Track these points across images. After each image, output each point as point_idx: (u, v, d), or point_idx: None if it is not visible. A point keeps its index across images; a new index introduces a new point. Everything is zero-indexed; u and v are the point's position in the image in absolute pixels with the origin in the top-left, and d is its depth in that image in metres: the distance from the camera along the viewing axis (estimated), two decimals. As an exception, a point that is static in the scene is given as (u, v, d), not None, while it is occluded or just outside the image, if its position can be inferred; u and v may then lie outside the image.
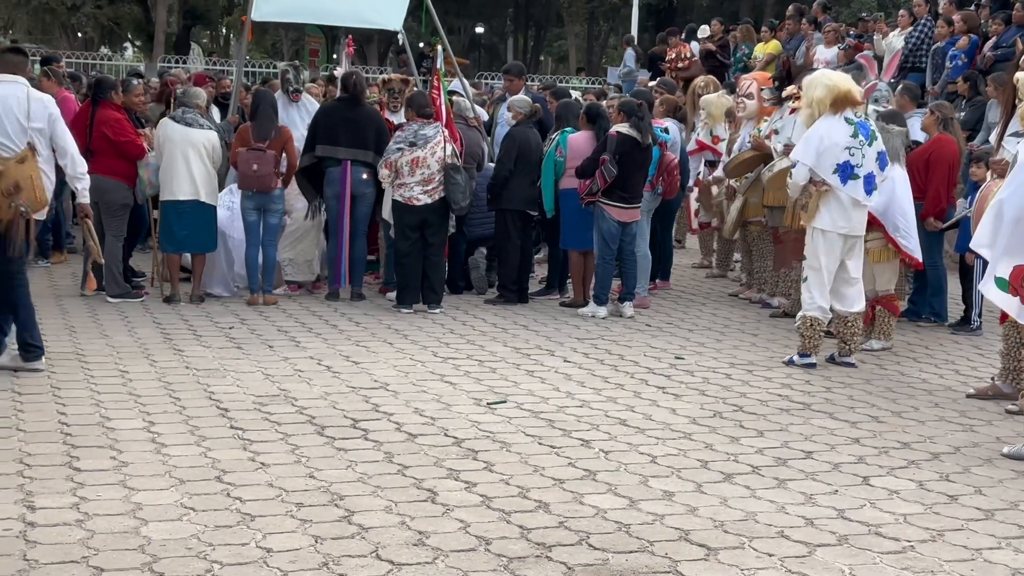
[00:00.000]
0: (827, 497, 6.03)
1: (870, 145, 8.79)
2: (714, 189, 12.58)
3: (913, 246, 9.60)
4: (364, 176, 11.08)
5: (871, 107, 10.08)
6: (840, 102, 8.73)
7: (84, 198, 8.43)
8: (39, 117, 7.98)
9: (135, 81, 11.86)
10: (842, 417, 7.65)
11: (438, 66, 11.62)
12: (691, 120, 13.83)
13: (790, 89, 10.74)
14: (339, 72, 12.68)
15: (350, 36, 15.34)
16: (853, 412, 7.79)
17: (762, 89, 11.21)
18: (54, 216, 12.66)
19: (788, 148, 10.30)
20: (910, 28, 17.88)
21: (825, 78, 8.95)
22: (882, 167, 8.91)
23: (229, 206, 11.37)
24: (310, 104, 12.48)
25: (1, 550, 4.92)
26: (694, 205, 13.79)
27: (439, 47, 12.28)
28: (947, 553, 5.30)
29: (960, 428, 7.50)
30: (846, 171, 8.70)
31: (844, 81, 8.87)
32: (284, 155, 10.85)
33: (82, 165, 8.31)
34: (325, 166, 11.11)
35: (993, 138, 10.55)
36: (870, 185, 8.82)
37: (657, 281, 12.45)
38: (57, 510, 5.41)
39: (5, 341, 8.19)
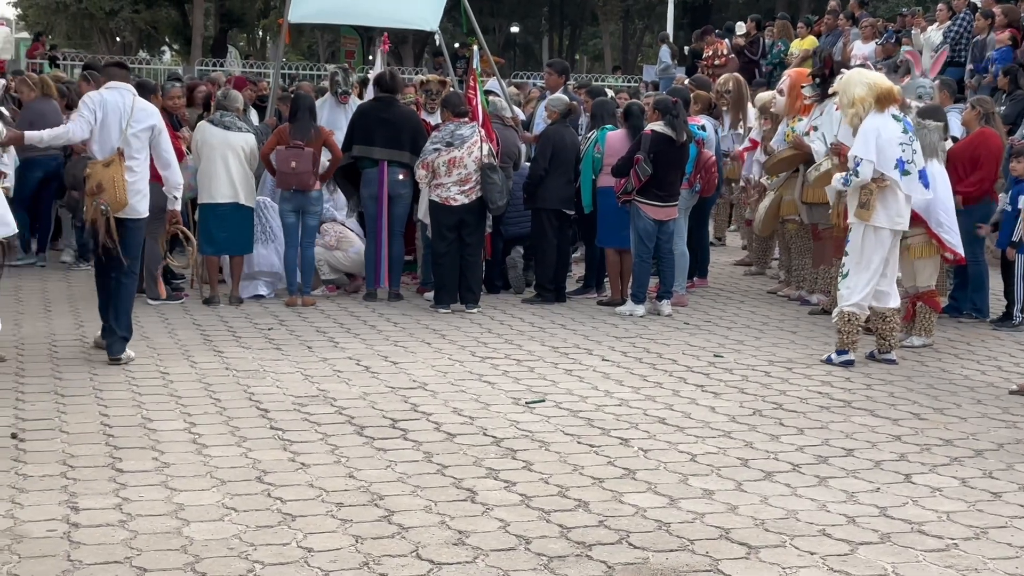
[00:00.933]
0: (869, 495, 5.99)
1: (916, 140, 8.80)
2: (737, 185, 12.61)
3: (956, 241, 9.53)
4: (400, 177, 11.10)
5: (913, 103, 10.00)
6: (884, 99, 8.70)
7: (176, 205, 9.02)
8: (140, 121, 8.57)
9: (174, 84, 11.95)
10: (883, 414, 7.60)
11: (474, 66, 11.62)
12: (724, 117, 13.76)
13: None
14: (373, 73, 12.70)
15: (385, 34, 15.35)
16: (894, 409, 7.74)
17: (802, 86, 11.12)
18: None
19: (836, 146, 10.18)
20: (948, 22, 17.75)
21: (862, 76, 8.90)
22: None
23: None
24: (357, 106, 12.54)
25: (46, 551, 4.97)
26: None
27: (475, 47, 12.29)
28: (991, 551, 5.26)
29: (1003, 424, 7.44)
30: (901, 167, 8.67)
31: (882, 79, 8.84)
32: (327, 151, 10.87)
33: (180, 176, 9.02)
34: (361, 166, 11.15)
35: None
36: (925, 179, 8.81)
37: (695, 279, 12.41)
38: (100, 511, 5.46)
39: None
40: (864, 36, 18.99)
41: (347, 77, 12.77)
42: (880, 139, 8.63)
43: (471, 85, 11.46)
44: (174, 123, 11.28)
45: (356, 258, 11.52)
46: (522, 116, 12.91)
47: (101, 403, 7.39)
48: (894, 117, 8.73)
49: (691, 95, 12.53)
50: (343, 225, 11.77)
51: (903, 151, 8.69)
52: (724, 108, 13.49)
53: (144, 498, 5.65)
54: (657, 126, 10.62)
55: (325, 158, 10.94)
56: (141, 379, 8.04)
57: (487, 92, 12.49)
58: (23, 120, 11.78)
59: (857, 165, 8.69)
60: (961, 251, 9.61)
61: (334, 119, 12.02)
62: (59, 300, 10.93)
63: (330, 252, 11.64)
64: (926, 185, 8.82)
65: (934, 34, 17.99)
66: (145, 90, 11.02)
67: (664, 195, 10.69)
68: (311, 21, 16.16)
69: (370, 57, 42.07)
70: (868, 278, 8.81)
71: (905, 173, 8.69)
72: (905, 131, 8.72)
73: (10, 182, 10.22)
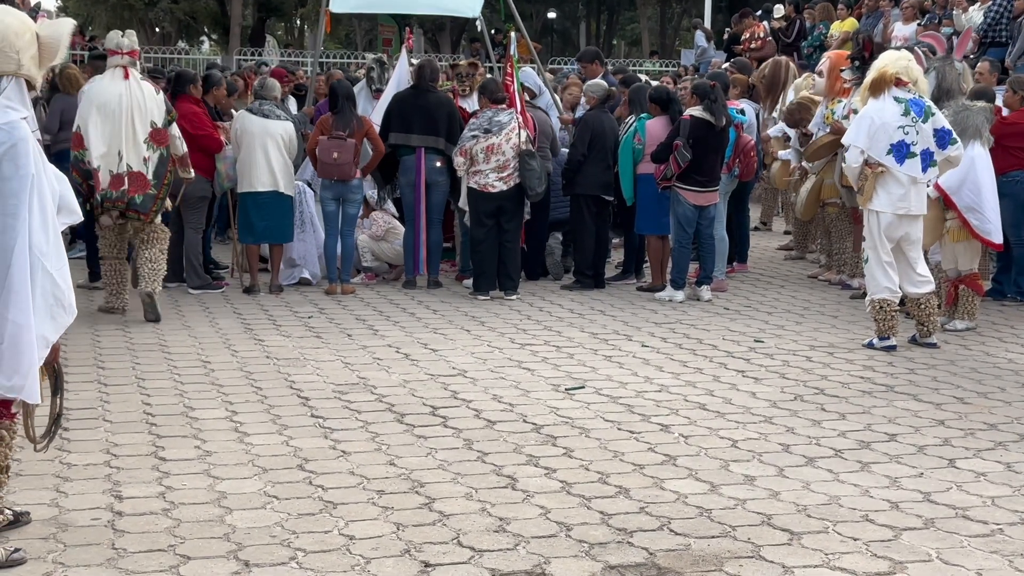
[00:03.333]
0: (912, 480, 5.94)
1: (924, 122, 8.63)
2: (776, 166, 12.53)
3: (989, 227, 9.41)
4: (437, 164, 11.11)
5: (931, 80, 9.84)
6: (878, 83, 8.63)
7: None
8: None
9: (218, 75, 11.99)
10: (926, 399, 7.54)
11: (511, 52, 11.60)
12: (765, 101, 13.66)
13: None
14: (398, 65, 12.61)
15: (409, 29, 15.30)
16: (938, 394, 7.67)
17: (842, 69, 11.03)
18: None
19: (836, 126, 10.21)
20: (990, 2, 17.52)
21: (880, 61, 8.84)
22: (941, 145, 8.70)
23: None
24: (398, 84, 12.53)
25: (90, 539, 5.01)
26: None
27: (512, 33, 12.25)
28: (1037, 536, 5.21)
29: (1048, 409, 7.36)
30: (902, 150, 8.58)
31: (892, 62, 8.71)
32: (368, 144, 10.91)
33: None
34: (400, 155, 11.16)
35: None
36: (926, 162, 8.66)
37: (735, 264, 12.36)
38: (144, 499, 5.50)
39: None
40: (905, 17, 18.76)
41: (383, 72, 12.72)
42: (873, 125, 8.58)
43: (508, 72, 11.44)
44: (214, 114, 11.33)
45: (401, 251, 11.54)
46: (550, 101, 12.83)
47: (143, 392, 7.44)
48: (896, 100, 8.63)
49: (731, 78, 12.48)
50: (393, 216, 11.79)
51: (905, 134, 8.58)
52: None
53: (187, 486, 5.69)
54: (696, 111, 10.56)
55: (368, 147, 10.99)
56: (183, 368, 8.09)
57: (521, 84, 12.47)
58: (53, 113, 11.82)
59: (846, 151, 8.75)
60: (994, 237, 9.49)
61: (366, 112, 12.00)
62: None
63: (376, 243, 11.68)
64: (924, 169, 8.66)
65: (976, 14, 17.77)
66: (184, 81, 11.11)
67: (704, 180, 10.64)
68: (355, 11, 16.11)
69: (404, 46, 42.10)
70: (881, 261, 8.74)
71: (910, 155, 8.59)
72: (907, 112, 8.60)
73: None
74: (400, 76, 12.39)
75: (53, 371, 5.07)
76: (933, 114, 8.69)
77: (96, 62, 11.97)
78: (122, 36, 9.86)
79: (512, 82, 11.10)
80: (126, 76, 9.68)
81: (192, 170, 10.19)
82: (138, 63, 9.92)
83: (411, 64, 12.28)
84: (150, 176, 9.61)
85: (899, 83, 8.64)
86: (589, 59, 13.63)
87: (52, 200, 4.79)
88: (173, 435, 6.53)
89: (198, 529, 5.14)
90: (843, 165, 9.02)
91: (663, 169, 10.57)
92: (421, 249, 11.23)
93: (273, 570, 4.73)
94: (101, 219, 9.66)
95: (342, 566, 4.78)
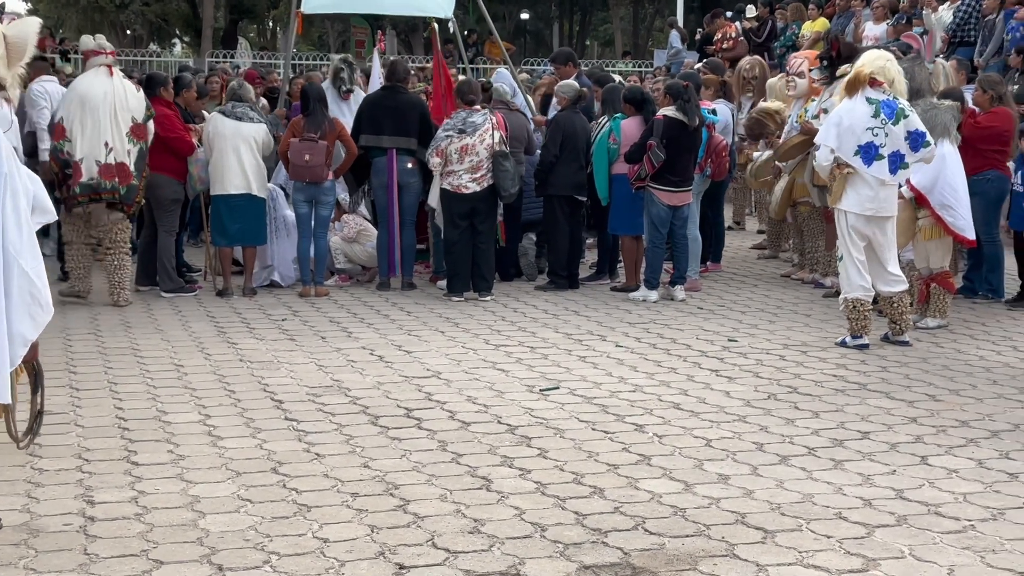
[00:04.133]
0: (885, 477, 5.97)
1: (895, 124, 8.65)
2: (749, 167, 12.60)
3: (962, 224, 9.47)
4: (409, 165, 11.11)
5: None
6: (852, 83, 8.67)
7: None
8: None
9: (191, 81, 11.97)
10: (899, 396, 7.57)
11: (437, 46, 11.63)
12: (738, 100, 13.72)
13: (844, 69, 10.64)
14: (375, 67, 12.61)
15: (381, 32, 15.31)
16: (910, 391, 7.71)
17: (811, 69, 11.10)
18: None
19: (806, 126, 10.29)
20: (959, 2, 17.64)
21: (859, 60, 8.88)
22: (914, 147, 8.72)
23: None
24: (360, 100, 12.52)
25: (62, 545, 4.98)
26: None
27: (435, 26, 12.20)
28: (1008, 531, 5.24)
29: (1019, 405, 7.40)
30: (870, 152, 8.61)
31: (872, 62, 8.74)
32: (341, 145, 10.89)
33: None
34: (371, 156, 11.15)
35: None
36: (895, 164, 8.69)
37: (708, 264, 12.39)
38: (116, 504, 5.47)
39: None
40: (875, 17, 18.88)
41: (352, 73, 12.69)
42: (842, 126, 8.62)
43: (436, 66, 11.54)
44: (186, 116, 11.29)
45: (373, 252, 11.53)
46: (523, 102, 12.83)
47: (116, 396, 7.41)
48: (868, 100, 8.66)
49: (703, 79, 12.52)
50: (365, 219, 11.77)
51: (874, 135, 8.62)
52: (749, 93, 13.46)
53: (160, 491, 5.66)
54: (669, 111, 10.59)
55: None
56: (155, 372, 8.05)
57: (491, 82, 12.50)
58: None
59: (816, 150, 8.81)
60: (967, 234, 9.55)
61: (335, 113, 11.96)
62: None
63: (348, 245, 11.66)
64: (892, 171, 8.70)
65: (945, 14, 17.88)
66: (155, 83, 11.08)
67: (678, 180, 10.67)
68: (325, 11, 16.07)
69: (376, 50, 42.05)
70: (852, 261, 8.78)
71: (878, 158, 8.63)
72: (877, 114, 8.63)
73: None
74: (375, 80, 12.40)
75: (32, 369, 5.05)
76: (906, 116, 8.70)
77: (39, 63, 12.21)
78: (95, 39, 10.52)
79: (439, 77, 11.18)
80: (110, 74, 10.27)
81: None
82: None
83: (382, 67, 12.28)
84: (132, 168, 10.14)
85: (874, 83, 8.67)
86: (562, 60, 13.64)
87: (26, 200, 4.77)
88: (146, 439, 6.50)
89: (171, 533, 5.12)
90: (814, 164, 9.06)
91: (637, 169, 10.59)
92: (395, 251, 11.21)
93: (247, 573, 4.71)
94: (86, 207, 10.16)
95: (316, 569, 4.76)
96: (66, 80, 13.98)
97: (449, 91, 11.36)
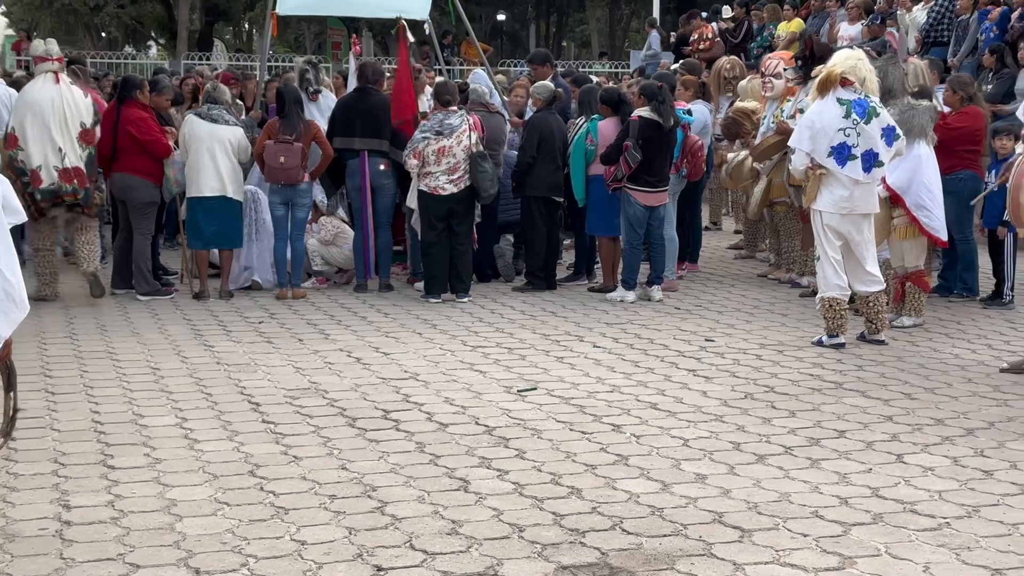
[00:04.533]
0: (861, 476, 6.00)
1: (868, 123, 8.69)
2: (724, 168, 12.63)
3: (936, 224, 9.52)
4: (381, 167, 11.11)
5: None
6: (824, 84, 8.72)
7: None
8: None
9: (166, 85, 11.96)
10: (875, 395, 7.61)
11: (408, 39, 11.61)
12: (717, 101, 13.77)
13: (819, 69, 10.69)
14: (352, 68, 12.63)
15: (356, 35, 15.30)
16: (886, 390, 7.75)
17: (786, 68, 11.14)
18: None
19: (782, 126, 10.35)
20: (933, 2, 17.74)
21: (831, 60, 8.93)
22: (888, 142, 8.79)
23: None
24: (328, 102, 12.53)
25: (38, 549, 4.96)
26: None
27: (403, 23, 12.18)
28: (983, 529, 5.27)
29: (994, 403, 7.45)
30: (843, 152, 8.65)
31: (843, 62, 8.78)
32: (318, 147, 10.87)
33: None
34: (346, 159, 11.14)
35: (1021, 111, 10.47)
36: (869, 163, 8.73)
37: (686, 264, 12.41)
38: (93, 508, 5.45)
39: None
40: (850, 17, 18.96)
41: (317, 74, 12.67)
42: (814, 128, 8.66)
43: (401, 62, 11.55)
44: (161, 119, 11.25)
45: (350, 255, 11.51)
46: (503, 103, 12.84)
47: (92, 400, 7.38)
48: (839, 101, 8.70)
49: (682, 81, 12.57)
50: (343, 221, 11.74)
51: (846, 135, 8.66)
52: (729, 93, 13.49)
53: (136, 494, 5.64)
54: (644, 112, 10.61)
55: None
56: (132, 375, 8.02)
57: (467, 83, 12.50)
58: None
59: (792, 154, 8.86)
60: (941, 235, 9.60)
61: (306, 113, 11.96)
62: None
63: (325, 247, 11.64)
64: (867, 170, 8.74)
65: (919, 14, 17.98)
66: (131, 86, 11.05)
67: (654, 181, 10.69)
68: (300, 13, 16.03)
69: (352, 52, 41.94)
70: (829, 261, 8.82)
71: (851, 158, 8.66)
72: (848, 114, 8.67)
73: None
74: (352, 83, 12.40)
75: (6, 367, 5.02)
76: (878, 114, 8.74)
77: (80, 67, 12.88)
78: (45, 43, 10.62)
79: (405, 76, 11.18)
80: (56, 80, 10.38)
81: None
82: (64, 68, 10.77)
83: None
84: (86, 172, 10.39)
85: (845, 83, 8.70)
86: (540, 61, 13.66)
87: None
88: (122, 443, 6.47)
89: (148, 537, 5.10)
90: (790, 167, 9.10)
91: (613, 170, 10.61)
92: (369, 252, 11.20)
93: (224, 577, 4.71)
94: (49, 212, 10.38)
95: (294, 571, 4.76)
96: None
97: (407, 92, 11.28)
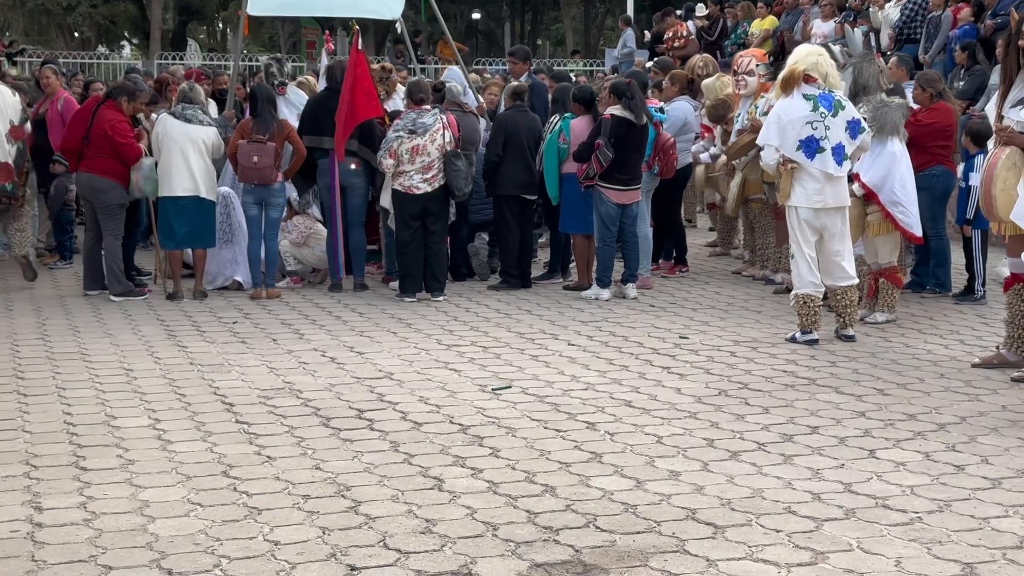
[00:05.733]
0: (834, 471, 6.02)
1: (835, 116, 8.75)
2: (699, 169, 12.66)
3: (911, 220, 9.57)
4: (352, 167, 11.09)
5: (848, 77, 9.99)
6: (787, 81, 8.77)
7: None
8: None
9: (142, 84, 12.00)
10: (847, 391, 7.64)
11: (358, 45, 11.55)
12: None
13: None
14: (322, 67, 12.62)
15: (327, 32, 15.27)
16: (858, 386, 7.78)
17: (758, 65, 11.18)
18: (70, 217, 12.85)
19: (755, 123, 10.40)
20: (905, -1, 17.83)
21: (792, 57, 8.98)
22: (853, 135, 8.84)
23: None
24: (296, 96, 12.51)
25: (9, 551, 4.94)
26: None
27: (356, 27, 12.16)
28: (954, 523, 5.30)
29: (966, 398, 7.49)
30: (811, 146, 8.70)
31: (804, 58, 8.83)
32: (290, 147, 10.85)
33: None
34: (315, 158, 11.12)
35: (991, 107, 10.52)
36: (839, 156, 8.78)
37: (673, 264, 12.36)
38: (64, 510, 5.42)
39: None
40: (823, 15, 19.03)
41: (282, 68, 12.67)
42: (781, 122, 8.71)
43: (357, 66, 11.51)
44: (134, 121, 11.19)
45: (323, 255, 11.48)
46: (478, 103, 12.83)
47: (64, 401, 7.34)
48: (805, 96, 8.76)
49: (669, 76, 12.61)
50: (316, 220, 11.70)
51: (814, 129, 8.71)
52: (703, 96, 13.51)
53: (108, 496, 5.62)
54: (616, 110, 10.62)
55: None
56: (104, 376, 7.99)
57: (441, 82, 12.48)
58: None
59: (761, 151, 8.86)
60: (915, 231, 9.65)
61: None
62: (20, 298, 10.86)
63: (297, 248, 11.61)
64: (839, 163, 8.80)
65: (892, 11, 18.06)
66: (119, 92, 11.02)
67: (626, 179, 10.71)
68: (271, 14, 15.98)
69: (324, 50, 41.86)
70: (804, 257, 8.86)
71: (820, 151, 8.71)
72: (816, 108, 8.72)
73: None
74: (323, 82, 12.37)
75: None
76: (843, 107, 8.81)
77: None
78: None
79: (364, 78, 11.14)
80: None
81: None
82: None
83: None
84: (13, 166, 10.94)
85: (808, 79, 8.76)
86: (522, 57, 13.66)
87: None
88: (95, 444, 6.45)
89: (120, 539, 5.08)
90: (761, 164, 9.13)
91: (585, 168, 10.62)
92: (339, 252, 11.18)
93: (197, 578, 4.69)
94: None
95: (267, 571, 4.75)
96: (13, 82, 13.86)
97: (357, 94, 11.15)
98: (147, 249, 12.87)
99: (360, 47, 11.36)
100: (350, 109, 10.82)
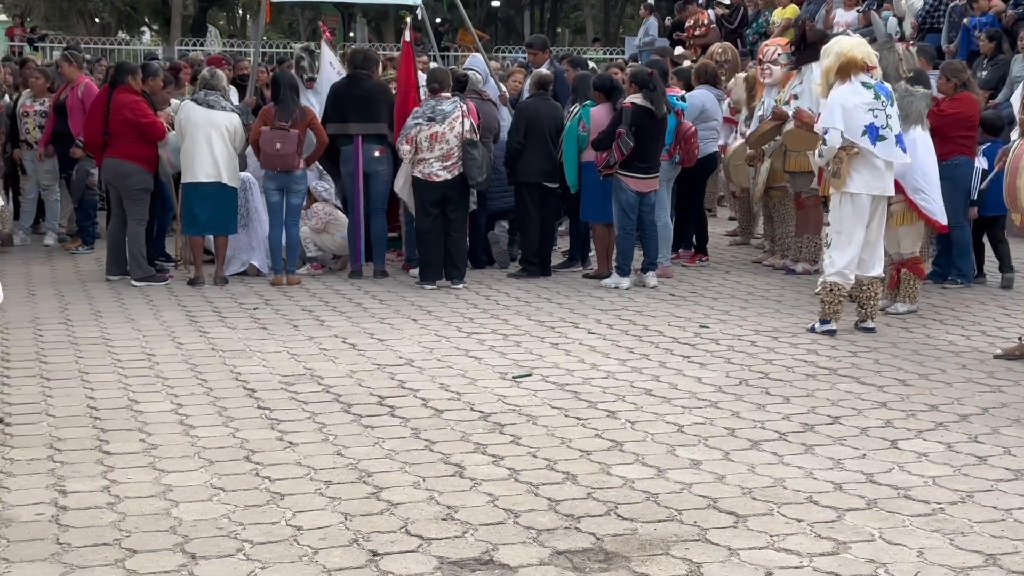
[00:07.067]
0: (855, 461, 6.01)
1: (892, 105, 8.77)
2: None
3: (934, 208, 9.53)
4: (376, 153, 11.10)
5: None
6: (846, 68, 8.70)
7: None
8: None
9: (158, 70, 11.93)
10: (869, 381, 7.62)
11: (406, 37, 11.60)
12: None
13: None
14: (325, 56, 12.59)
15: (323, 23, 15.26)
16: (880, 376, 7.77)
17: (780, 54, 11.14)
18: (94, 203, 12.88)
19: (800, 112, 10.33)
20: (930, -12, 17.72)
21: (836, 45, 8.91)
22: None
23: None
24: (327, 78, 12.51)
25: (35, 534, 4.97)
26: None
27: (408, 19, 12.20)
28: (977, 514, 5.29)
29: (988, 389, 7.47)
30: (873, 133, 8.66)
31: (855, 47, 8.80)
32: (313, 134, 10.87)
33: None
34: (339, 144, 11.13)
35: (1015, 97, 10.46)
36: (902, 143, 8.78)
37: (697, 254, 12.35)
38: (88, 493, 5.45)
39: None
40: (846, 3, 18.94)
41: (313, 61, 12.65)
42: (845, 107, 8.66)
43: (406, 57, 11.55)
44: (152, 104, 11.22)
45: (343, 242, 11.50)
46: (500, 91, 12.81)
47: (87, 386, 7.38)
48: (864, 84, 8.71)
49: (695, 69, 12.60)
50: (336, 207, 11.72)
51: (875, 117, 8.67)
52: (723, 76, 13.48)
53: (132, 480, 5.65)
54: (636, 99, 10.60)
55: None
56: (127, 361, 8.02)
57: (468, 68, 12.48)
58: None
59: (825, 134, 8.75)
60: (940, 218, 9.61)
61: (303, 101, 11.96)
62: (43, 283, 10.90)
63: (317, 235, 11.62)
64: (903, 149, 8.80)
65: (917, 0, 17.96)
66: (124, 72, 11.03)
67: (645, 167, 10.69)
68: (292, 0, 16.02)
69: (351, 34, 41.88)
70: (850, 247, 8.81)
71: (880, 139, 8.68)
72: (876, 96, 8.69)
73: None
74: (325, 71, 12.33)
75: None
76: (894, 100, 8.84)
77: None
78: None
79: (409, 69, 11.18)
80: None
81: None
82: None
83: (340, 57, 12.25)
84: None
85: (867, 68, 8.74)
86: (540, 46, 13.65)
87: None
88: (117, 428, 6.48)
89: (144, 522, 5.11)
90: (822, 149, 8.93)
91: (605, 157, 10.61)
92: (360, 239, 11.20)
93: (220, 562, 4.71)
94: None
95: (289, 557, 4.77)
96: (35, 69, 13.93)
97: (414, 90, 11.29)
98: (169, 235, 12.91)
99: (407, 38, 11.45)
100: (404, 98, 10.92)
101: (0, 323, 9.04)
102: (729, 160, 12.38)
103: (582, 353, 8.38)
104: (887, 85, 8.85)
